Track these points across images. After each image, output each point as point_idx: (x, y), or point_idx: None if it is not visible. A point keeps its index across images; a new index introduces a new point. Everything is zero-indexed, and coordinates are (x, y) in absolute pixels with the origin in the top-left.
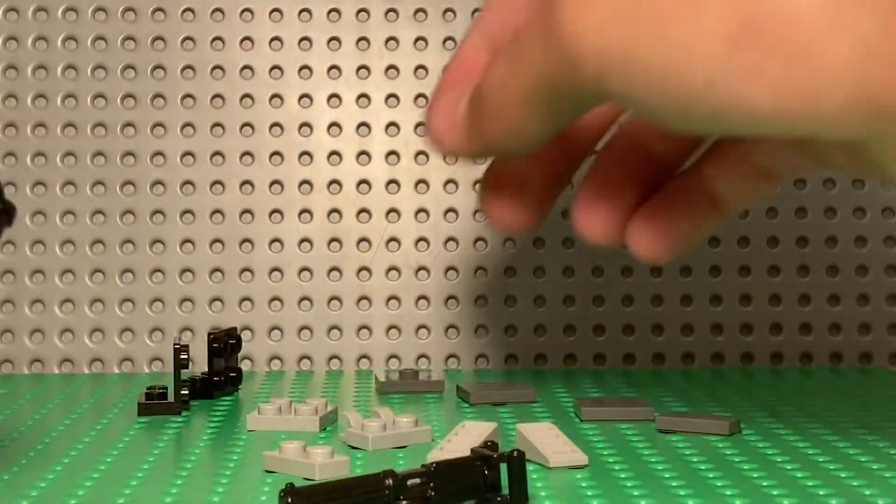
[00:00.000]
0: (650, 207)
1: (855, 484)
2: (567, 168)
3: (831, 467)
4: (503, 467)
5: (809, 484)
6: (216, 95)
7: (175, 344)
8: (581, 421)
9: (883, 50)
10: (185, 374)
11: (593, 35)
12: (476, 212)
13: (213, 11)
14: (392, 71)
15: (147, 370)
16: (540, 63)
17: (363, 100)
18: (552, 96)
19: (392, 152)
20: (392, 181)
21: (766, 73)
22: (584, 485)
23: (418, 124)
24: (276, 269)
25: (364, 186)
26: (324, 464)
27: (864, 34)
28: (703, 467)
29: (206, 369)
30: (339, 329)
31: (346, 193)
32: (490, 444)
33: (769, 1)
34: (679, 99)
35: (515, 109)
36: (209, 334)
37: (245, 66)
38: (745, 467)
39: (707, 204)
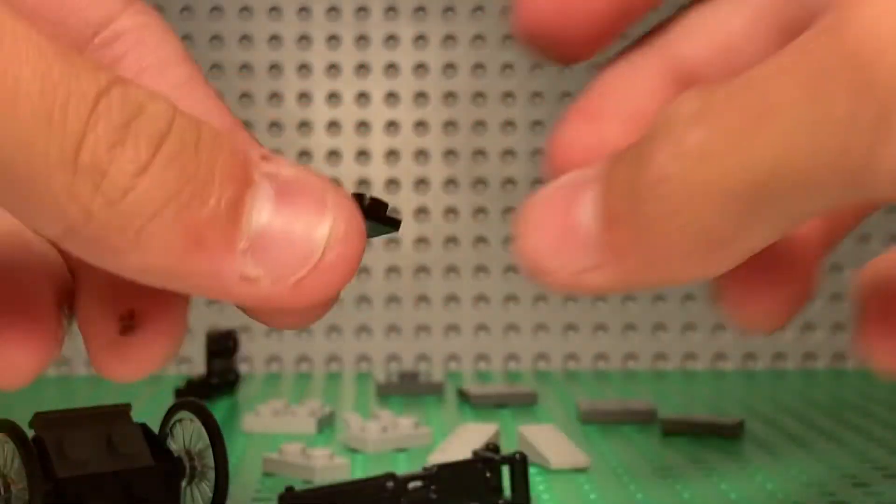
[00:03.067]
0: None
1: (857, 485)
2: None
3: (834, 468)
4: (505, 469)
5: (812, 485)
6: None
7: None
8: (582, 422)
9: None
10: (183, 374)
11: None
12: (476, 211)
13: (211, 9)
14: (392, 69)
15: None
16: (811, 125)
17: (363, 98)
18: (802, 185)
19: (391, 152)
20: (392, 181)
21: None
22: (586, 486)
23: (418, 123)
24: None
25: (363, 186)
26: (324, 466)
27: None
28: (705, 468)
29: (204, 371)
30: (339, 330)
31: None
32: (492, 447)
33: None
34: None
35: (725, 204)
36: (208, 336)
37: (243, 65)
38: (748, 468)
39: None
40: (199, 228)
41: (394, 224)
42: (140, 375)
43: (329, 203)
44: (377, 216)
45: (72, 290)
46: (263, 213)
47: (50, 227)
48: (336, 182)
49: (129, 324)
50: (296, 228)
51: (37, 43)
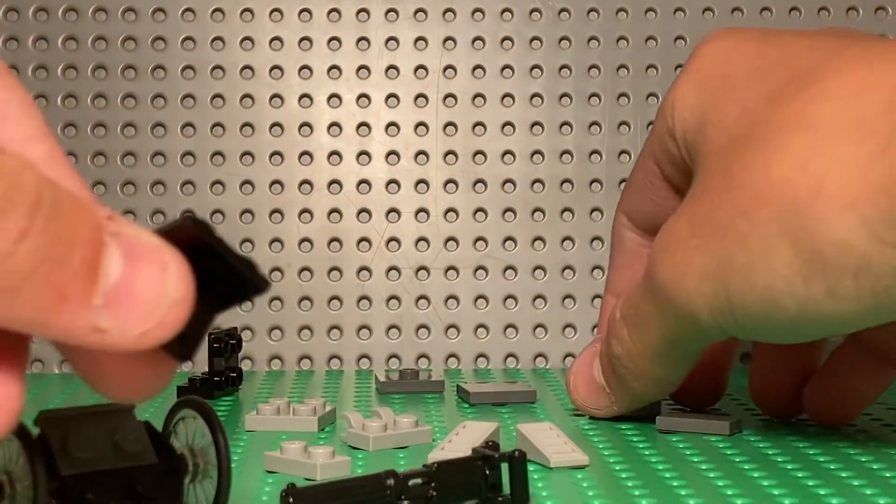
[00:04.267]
0: (821, 378)
1: (855, 483)
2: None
3: (832, 467)
4: (504, 467)
5: (810, 484)
6: (216, 95)
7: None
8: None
9: None
10: (186, 373)
11: (696, 296)
12: (476, 211)
13: (213, 11)
14: (392, 71)
15: None
16: (660, 326)
17: (363, 100)
18: (679, 347)
19: (392, 152)
20: (392, 181)
21: (842, 290)
22: (584, 484)
23: (418, 124)
24: (276, 268)
25: (364, 186)
26: (325, 464)
27: None
28: (703, 467)
29: (207, 369)
30: (340, 329)
31: (347, 193)
32: (491, 444)
33: (826, 236)
34: (783, 325)
35: (649, 365)
36: (210, 334)
37: (245, 66)
38: (746, 467)
39: (875, 361)
40: (64, 286)
41: (256, 287)
42: None
43: (169, 264)
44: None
45: None
46: (114, 273)
47: None
48: (338, 183)
49: None
50: (143, 288)
51: None
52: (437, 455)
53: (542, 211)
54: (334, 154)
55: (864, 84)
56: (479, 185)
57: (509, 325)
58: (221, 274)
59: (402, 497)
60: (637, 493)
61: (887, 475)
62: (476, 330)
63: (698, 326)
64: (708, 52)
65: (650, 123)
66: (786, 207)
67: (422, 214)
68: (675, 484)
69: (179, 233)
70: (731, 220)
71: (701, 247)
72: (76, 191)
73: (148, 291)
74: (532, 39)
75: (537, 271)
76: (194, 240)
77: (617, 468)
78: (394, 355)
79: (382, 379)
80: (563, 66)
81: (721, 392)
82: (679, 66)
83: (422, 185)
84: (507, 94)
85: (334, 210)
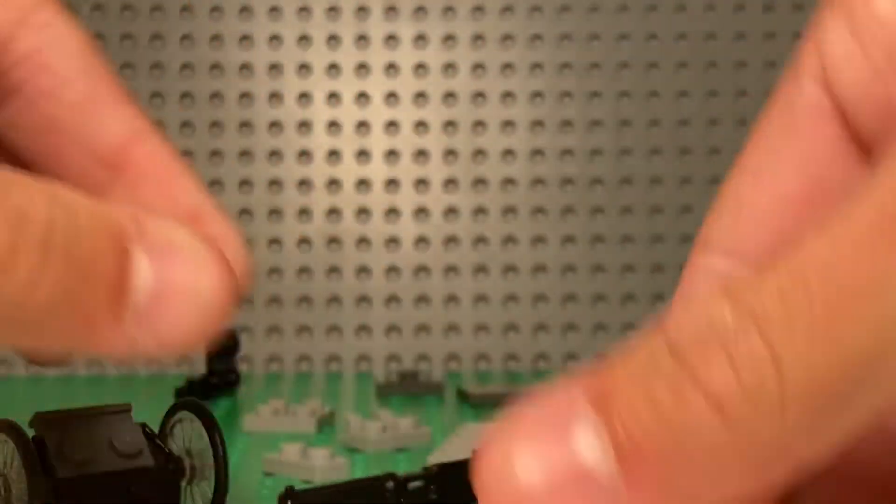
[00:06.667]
0: None
1: None
2: None
3: None
4: None
5: None
6: (214, 94)
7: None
8: None
9: None
10: (184, 374)
11: None
12: (476, 211)
13: (211, 9)
14: (392, 69)
15: (144, 371)
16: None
17: (362, 98)
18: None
19: (391, 151)
20: (391, 181)
21: None
22: None
23: (418, 123)
24: (274, 269)
25: (363, 186)
26: (323, 466)
27: None
28: None
29: (204, 371)
30: (339, 330)
31: (346, 193)
32: None
33: None
34: None
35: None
36: None
37: (243, 65)
38: None
39: None
40: (90, 313)
41: None
42: None
43: (202, 268)
44: None
45: None
46: (142, 288)
47: None
48: (336, 183)
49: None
50: (173, 301)
51: None
52: (437, 457)
53: (544, 211)
54: (333, 153)
55: None
56: (479, 184)
57: (509, 327)
58: None
59: (402, 500)
60: None
61: None
62: (476, 331)
63: None
64: None
65: (653, 121)
66: None
67: (421, 214)
68: None
69: None
70: None
71: None
72: (119, 120)
73: (179, 305)
74: (533, 37)
75: (538, 272)
76: None
77: None
78: (393, 357)
79: (382, 380)
80: (564, 65)
81: None
82: (682, 63)
83: (422, 185)
84: (508, 93)
85: (333, 210)
